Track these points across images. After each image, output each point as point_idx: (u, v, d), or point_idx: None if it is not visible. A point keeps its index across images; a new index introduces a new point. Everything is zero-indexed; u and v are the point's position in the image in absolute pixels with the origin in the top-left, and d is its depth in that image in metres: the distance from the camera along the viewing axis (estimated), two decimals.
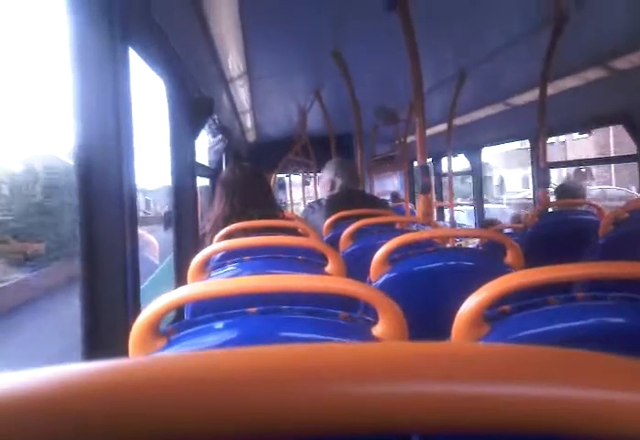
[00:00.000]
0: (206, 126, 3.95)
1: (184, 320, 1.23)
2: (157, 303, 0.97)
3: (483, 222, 5.89)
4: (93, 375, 0.26)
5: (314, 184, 8.12)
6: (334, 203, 3.15)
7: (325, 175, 3.41)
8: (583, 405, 0.27)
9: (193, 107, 2.80)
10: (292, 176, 9.52)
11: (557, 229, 3.06)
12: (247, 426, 0.25)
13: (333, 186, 3.35)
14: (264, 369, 0.26)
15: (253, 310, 1.04)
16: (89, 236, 1.39)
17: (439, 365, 0.27)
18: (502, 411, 0.27)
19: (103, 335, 1.40)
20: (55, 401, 0.25)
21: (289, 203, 9.87)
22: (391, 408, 0.26)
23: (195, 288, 1.09)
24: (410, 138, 6.31)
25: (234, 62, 3.44)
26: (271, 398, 0.25)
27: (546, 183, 3.84)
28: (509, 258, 1.67)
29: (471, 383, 0.27)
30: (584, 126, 4.76)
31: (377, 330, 0.98)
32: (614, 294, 0.98)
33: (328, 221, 2.81)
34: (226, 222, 2.27)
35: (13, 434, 0.24)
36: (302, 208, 8.63)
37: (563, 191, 4.10)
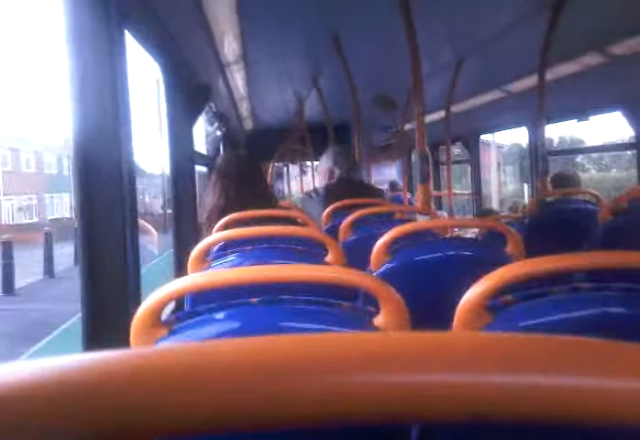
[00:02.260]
0: (203, 114, 3.93)
1: (186, 310, 1.23)
2: (159, 293, 0.97)
3: (481, 211, 5.89)
4: (93, 366, 0.26)
5: (312, 173, 8.10)
6: (332, 193, 3.13)
7: (324, 164, 3.38)
8: (589, 394, 0.26)
9: (189, 93, 2.79)
10: (290, 165, 9.50)
11: (556, 218, 3.07)
12: (248, 416, 0.25)
13: (332, 175, 3.33)
14: (266, 360, 0.26)
15: (254, 300, 1.04)
16: (89, 226, 1.39)
17: (441, 355, 0.27)
18: (504, 400, 0.26)
19: (104, 324, 1.40)
20: (56, 393, 0.24)
21: (287, 192, 9.87)
22: (391, 398, 0.26)
23: (198, 278, 1.09)
24: (407, 126, 6.30)
25: (230, 48, 3.41)
26: (273, 388, 0.25)
27: (546, 172, 3.83)
28: (509, 247, 1.67)
29: (473, 373, 0.26)
30: (583, 113, 4.75)
31: (378, 320, 0.98)
32: (618, 285, 0.98)
33: (327, 211, 2.80)
34: (222, 212, 2.26)
35: (12, 425, 0.24)
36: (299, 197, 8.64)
37: (559, 180, 4.10)
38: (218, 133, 4.94)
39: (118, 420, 0.25)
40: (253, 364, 0.26)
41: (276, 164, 8.17)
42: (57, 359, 0.26)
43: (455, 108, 5.05)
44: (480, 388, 0.26)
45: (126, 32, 1.58)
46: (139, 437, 0.26)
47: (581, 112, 4.62)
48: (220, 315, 1.01)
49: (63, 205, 32.43)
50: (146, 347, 0.28)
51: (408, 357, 0.27)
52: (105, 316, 1.41)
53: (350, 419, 0.26)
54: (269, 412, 0.25)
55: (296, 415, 0.26)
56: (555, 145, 17.58)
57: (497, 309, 0.97)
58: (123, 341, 1.13)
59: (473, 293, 0.93)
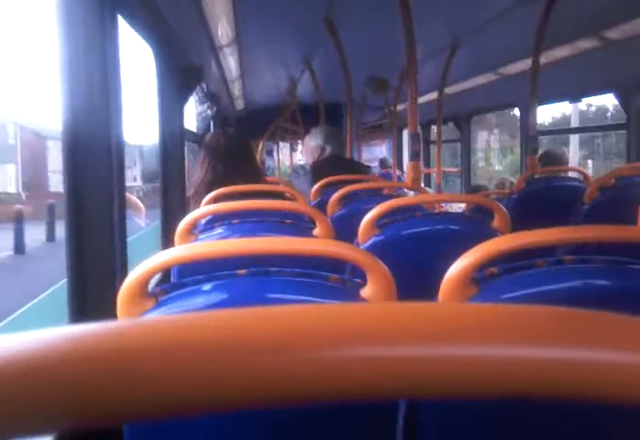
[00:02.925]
0: (194, 94, 3.91)
1: (173, 281, 1.23)
2: (146, 265, 0.96)
3: (470, 188, 5.91)
4: (81, 338, 0.25)
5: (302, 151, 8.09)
6: (320, 169, 3.14)
7: (313, 142, 3.39)
8: (583, 366, 0.26)
9: (181, 75, 2.78)
10: (281, 143, 9.49)
11: (544, 195, 3.09)
12: (228, 395, 0.25)
13: (322, 153, 3.34)
14: (247, 334, 0.25)
15: (242, 272, 1.04)
16: (76, 199, 1.39)
17: (429, 326, 0.26)
18: (493, 374, 0.26)
19: (90, 295, 1.40)
20: (40, 367, 0.24)
21: (277, 169, 9.88)
22: (379, 372, 0.25)
23: (185, 249, 1.09)
24: (399, 107, 6.29)
25: (223, 30, 3.38)
26: (254, 365, 0.25)
27: (535, 150, 3.85)
28: (496, 222, 1.69)
29: (463, 345, 0.26)
30: (575, 96, 4.76)
31: (365, 292, 0.99)
32: (601, 257, 1.00)
33: (316, 186, 2.81)
34: (209, 187, 2.26)
35: None
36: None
37: (547, 158, 4.12)
38: (209, 112, 4.91)
39: (106, 397, 0.24)
40: (234, 339, 0.25)
41: (267, 142, 8.15)
42: (41, 332, 0.25)
43: (448, 90, 5.04)
44: (470, 360, 0.25)
45: (118, 16, 1.57)
46: (123, 416, 0.26)
47: (573, 94, 4.63)
48: (207, 287, 1.01)
49: (7, 179, 27.24)
50: (127, 320, 0.27)
51: (393, 328, 0.26)
52: (92, 288, 1.41)
53: (335, 396, 0.26)
54: (249, 391, 0.25)
55: (279, 393, 0.25)
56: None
57: (482, 281, 0.98)
58: (110, 312, 1.14)
59: (459, 266, 0.94)
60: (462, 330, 0.26)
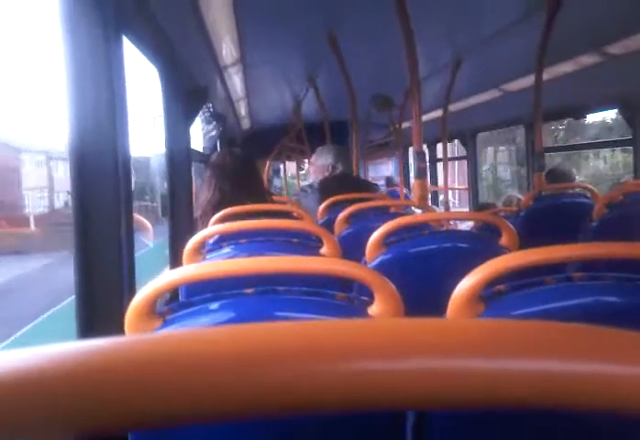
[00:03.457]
0: (201, 114, 3.94)
1: (180, 300, 1.23)
2: (154, 283, 0.97)
3: (478, 205, 5.91)
4: (91, 353, 0.26)
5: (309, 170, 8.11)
6: (327, 188, 3.15)
7: (323, 160, 3.41)
8: (586, 379, 0.26)
9: (187, 95, 2.80)
10: (287, 163, 9.52)
11: (551, 212, 3.08)
12: (243, 404, 0.25)
13: (334, 171, 3.37)
14: (256, 347, 0.26)
15: (250, 291, 1.04)
16: (84, 218, 1.39)
17: (438, 340, 0.27)
18: (501, 386, 0.26)
19: (98, 315, 1.40)
20: (50, 379, 0.24)
21: (284, 188, 9.90)
22: (387, 384, 0.25)
23: (193, 268, 1.09)
24: (404, 125, 6.31)
25: (228, 50, 3.42)
26: (263, 377, 0.25)
27: (542, 167, 3.85)
28: (504, 240, 1.68)
29: (471, 358, 0.26)
30: (579, 111, 4.76)
31: (373, 310, 0.99)
32: (610, 274, 0.99)
33: (323, 205, 2.81)
34: (216, 207, 2.27)
35: (4, 418, 0.23)
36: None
37: (554, 175, 4.12)
38: (215, 132, 4.95)
39: (114, 410, 0.24)
40: (243, 352, 0.25)
41: (273, 161, 8.18)
42: (48, 347, 0.26)
43: (452, 107, 5.06)
44: (479, 373, 0.26)
45: (123, 38, 1.58)
46: (129, 427, 0.26)
47: (578, 110, 4.64)
48: (214, 306, 1.01)
49: None
50: (142, 334, 0.27)
51: (403, 342, 0.26)
52: (100, 307, 1.41)
53: (342, 407, 0.26)
54: (258, 402, 0.25)
55: (287, 404, 0.25)
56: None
57: (490, 298, 0.98)
58: (117, 332, 1.13)
59: (467, 283, 0.94)
60: (468, 343, 0.26)
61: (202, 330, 0.27)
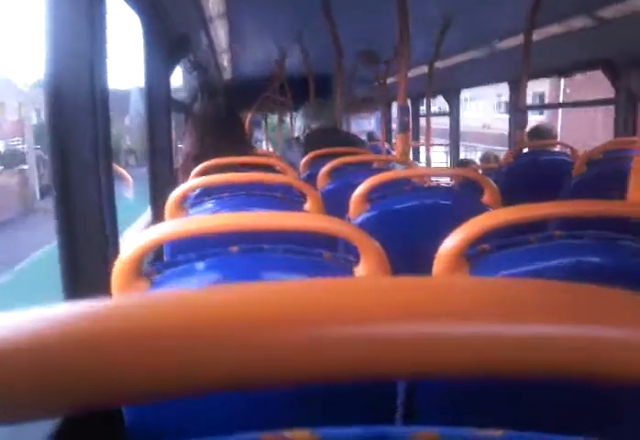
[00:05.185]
0: (182, 63, 3.86)
1: (166, 260, 1.22)
2: (137, 242, 0.95)
3: (458, 162, 5.93)
4: (79, 317, 0.24)
5: (291, 123, 8.04)
6: (311, 141, 3.13)
7: (299, 122, 3.41)
8: (593, 343, 0.25)
9: (169, 44, 2.74)
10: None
11: (532, 169, 3.09)
12: (228, 371, 0.24)
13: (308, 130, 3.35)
14: (243, 312, 0.24)
15: (235, 249, 1.03)
16: (63, 173, 1.35)
17: (429, 301, 0.25)
18: (501, 352, 0.25)
19: (83, 275, 1.38)
20: (39, 350, 0.23)
21: (264, 140, 9.84)
22: (378, 351, 0.24)
23: (177, 225, 1.08)
24: (389, 80, 6.24)
25: (214, 1, 3.33)
26: (250, 343, 0.24)
27: (523, 125, 3.86)
28: (486, 197, 1.69)
29: (464, 321, 0.25)
30: (563, 71, 4.75)
31: (359, 269, 0.99)
32: (591, 232, 1.00)
33: (305, 158, 2.80)
34: (198, 159, 2.23)
35: None
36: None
37: (536, 133, 4.13)
38: (196, 82, 4.86)
39: (97, 382, 0.23)
40: (226, 317, 0.24)
41: (254, 114, 8.08)
42: (41, 310, 0.25)
43: (438, 64, 5.02)
44: (472, 337, 0.24)
45: None
46: (128, 399, 0.25)
47: (562, 69, 4.62)
48: (201, 266, 1.00)
49: None
50: (130, 297, 0.26)
51: (394, 304, 0.25)
52: (84, 267, 1.38)
53: (330, 377, 0.25)
54: (242, 371, 0.24)
55: (278, 373, 0.24)
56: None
57: (474, 257, 0.99)
58: (104, 292, 1.12)
59: (451, 242, 0.94)
60: (462, 305, 0.25)
61: (191, 293, 0.26)
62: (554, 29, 3.70)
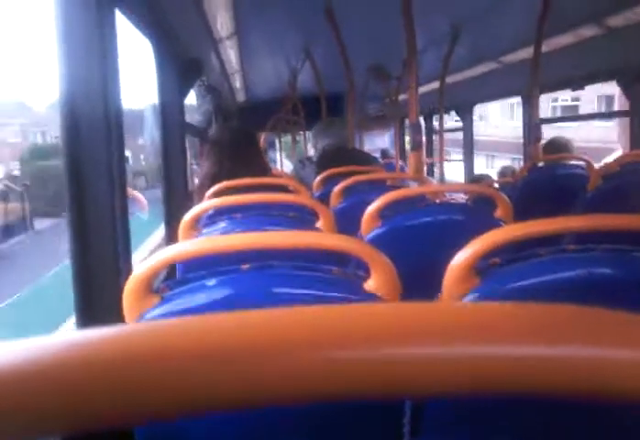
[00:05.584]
0: (195, 87, 3.91)
1: (177, 278, 1.23)
2: (150, 261, 0.96)
3: (473, 177, 5.90)
4: (88, 343, 0.25)
5: (304, 142, 8.08)
6: (324, 160, 3.14)
7: (312, 140, 3.43)
8: (584, 364, 0.25)
9: (181, 68, 2.77)
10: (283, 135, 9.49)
11: (547, 183, 3.07)
12: (239, 392, 0.25)
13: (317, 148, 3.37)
14: (250, 337, 0.25)
15: (246, 267, 1.04)
16: (77, 193, 1.38)
17: (437, 326, 0.26)
18: (500, 373, 0.26)
19: (95, 293, 1.39)
20: (46, 372, 0.24)
21: (279, 160, 9.89)
22: (386, 372, 0.25)
23: (189, 245, 1.09)
24: (401, 96, 6.26)
25: (223, 21, 3.37)
26: (260, 367, 0.25)
27: (538, 139, 3.84)
28: (499, 212, 1.68)
29: (470, 345, 0.25)
30: (576, 83, 4.74)
31: (369, 285, 0.99)
32: (604, 246, 0.99)
33: (319, 178, 2.81)
34: (214, 181, 2.26)
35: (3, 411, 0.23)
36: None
37: (551, 146, 4.10)
38: (210, 105, 4.92)
39: (105, 404, 0.24)
40: (239, 342, 0.25)
41: (268, 134, 8.15)
42: (47, 338, 0.25)
43: (449, 79, 5.03)
44: (476, 361, 0.25)
45: (116, 11, 1.55)
46: (131, 420, 0.26)
47: (576, 82, 4.61)
48: (211, 282, 1.01)
49: None
50: (133, 324, 0.27)
51: (402, 329, 0.26)
52: (97, 285, 1.40)
53: (339, 396, 0.26)
54: (253, 392, 0.25)
55: (284, 394, 0.25)
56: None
57: (485, 271, 0.98)
58: (115, 309, 1.13)
59: (462, 256, 0.94)
60: (465, 330, 0.26)
61: (199, 318, 0.27)
62: (565, 40, 3.70)
